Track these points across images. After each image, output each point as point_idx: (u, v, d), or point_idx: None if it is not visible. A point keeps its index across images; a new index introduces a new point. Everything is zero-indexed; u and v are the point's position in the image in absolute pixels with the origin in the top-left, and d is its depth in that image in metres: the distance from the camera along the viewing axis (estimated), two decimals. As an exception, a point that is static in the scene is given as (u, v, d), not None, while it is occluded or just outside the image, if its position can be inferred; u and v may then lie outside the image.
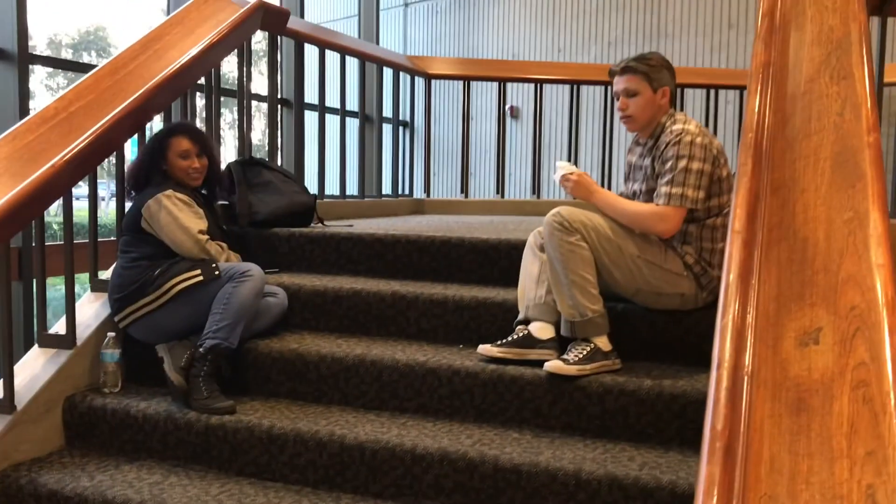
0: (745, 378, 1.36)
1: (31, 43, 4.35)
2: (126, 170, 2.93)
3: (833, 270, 1.46)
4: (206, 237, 2.78)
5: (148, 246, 2.75)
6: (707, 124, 5.18)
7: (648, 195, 2.53)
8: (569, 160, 5.22)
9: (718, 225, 2.46)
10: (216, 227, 2.95)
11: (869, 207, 1.54)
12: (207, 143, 2.96)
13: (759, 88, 2.08)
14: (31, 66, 4.37)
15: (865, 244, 1.47)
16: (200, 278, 2.68)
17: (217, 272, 2.69)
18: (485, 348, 2.47)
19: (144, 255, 2.74)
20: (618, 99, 2.60)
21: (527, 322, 2.51)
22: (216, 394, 2.53)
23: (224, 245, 2.90)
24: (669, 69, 2.57)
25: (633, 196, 2.62)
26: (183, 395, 2.56)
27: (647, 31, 7.31)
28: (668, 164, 2.42)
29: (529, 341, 2.44)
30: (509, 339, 2.47)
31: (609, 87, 5.14)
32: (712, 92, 5.24)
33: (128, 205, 2.93)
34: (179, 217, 2.73)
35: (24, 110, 4.19)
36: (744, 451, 1.24)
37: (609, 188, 5.18)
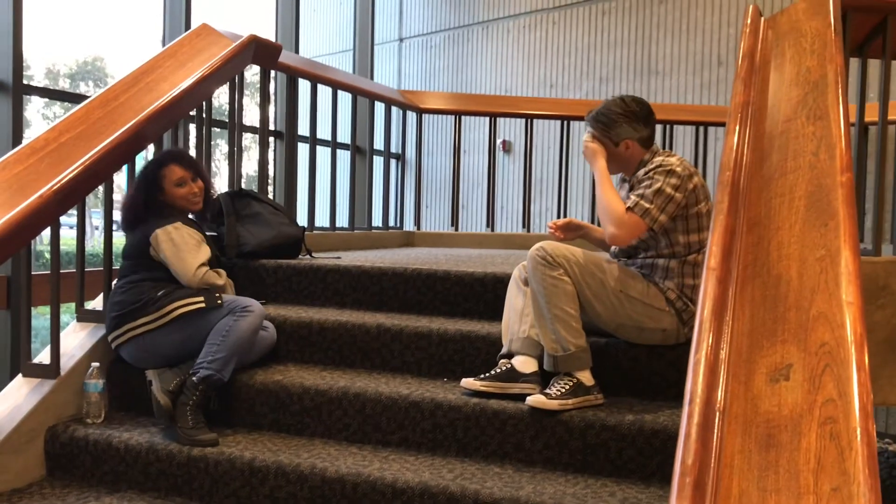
0: (717, 413, 1.37)
1: (29, 72, 4.41)
2: (121, 205, 2.95)
3: (805, 308, 1.48)
4: (206, 268, 2.82)
5: (153, 269, 2.78)
6: (696, 161, 5.24)
7: (634, 246, 2.61)
8: (559, 195, 5.27)
9: (700, 261, 2.49)
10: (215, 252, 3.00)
11: (841, 246, 1.56)
12: (198, 167, 3.02)
13: (737, 127, 2.12)
14: (26, 97, 4.42)
15: (836, 282, 1.49)
16: (202, 305, 2.70)
17: (219, 301, 2.71)
18: (468, 382, 2.48)
19: (149, 277, 2.76)
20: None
21: (510, 356, 2.52)
22: (201, 425, 2.53)
23: (222, 272, 2.93)
24: (633, 118, 2.58)
25: (614, 254, 2.69)
26: (168, 417, 2.57)
27: (638, 67, 7.40)
28: (644, 183, 2.49)
29: (512, 375, 2.45)
30: (492, 372, 2.48)
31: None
32: (701, 129, 5.30)
33: (117, 234, 2.95)
34: (182, 249, 2.77)
35: (17, 140, 4.22)
36: (714, 487, 1.25)
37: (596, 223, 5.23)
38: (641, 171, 2.55)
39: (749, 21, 2.62)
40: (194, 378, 2.57)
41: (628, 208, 2.44)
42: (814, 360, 1.36)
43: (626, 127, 2.58)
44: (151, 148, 3.20)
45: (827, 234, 1.61)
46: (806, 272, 1.56)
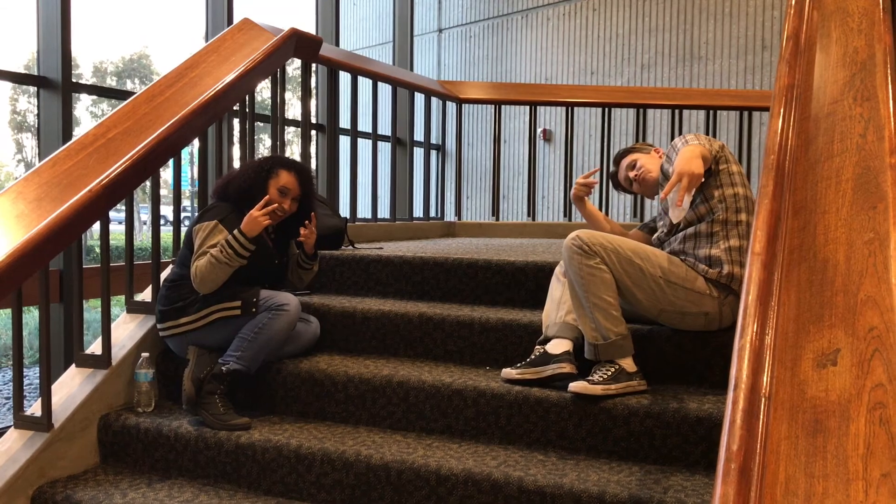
0: (763, 399, 1.36)
1: (78, 71, 4.52)
2: (222, 178, 2.95)
3: (852, 292, 1.46)
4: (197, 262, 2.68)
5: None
6: (740, 146, 5.16)
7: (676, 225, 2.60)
8: (601, 183, 5.23)
9: (743, 220, 2.47)
10: (268, 263, 2.88)
11: (889, 229, 1.53)
12: (309, 194, 2.91)
13: (782, 110, 2.08)
14: (75, 94, 4.52)
15: (885, 265, 1.46)
16: (238, 312, 2.71)
17: (255, 310, 2.70)
18: (506, 372, 2.50)
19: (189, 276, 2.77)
20: (629, 183, 2.92)
21: (546, 341, 2.53)
22: (231, 411, 2.61)
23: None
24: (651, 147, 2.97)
25: (660, 238, 2.69)
26: (191, 404, 2.63)
27: (681, 53, 7.31)
28: (678, 146, 2.54)
29: (545, 359, 2.46)
30: (527, 360, 2.49)
31: (639, 111, 5.16)
32: (745, 114, 5.22)
33: (164, 228, 2.99)
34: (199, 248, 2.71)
35: (67, 136, 4.33)
36: (759, 473, 1.24)
37: (635, 208, 5.18)
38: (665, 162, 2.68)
39: (793, 2, 2.56)
40: (223, 368, 2.63)
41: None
42: (862, 345, 1.34)
43: (650, 148, 2.97)
44: (196, 143, 3.25)
45: (875, 216, 1.58)
46: (853, 256, 1.53)
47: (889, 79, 1.98)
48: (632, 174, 2.85)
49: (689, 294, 2.43)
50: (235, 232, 2.67)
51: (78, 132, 4.20)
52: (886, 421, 1.20)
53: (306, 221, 2.87)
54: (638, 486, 2.08)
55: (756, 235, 1.67)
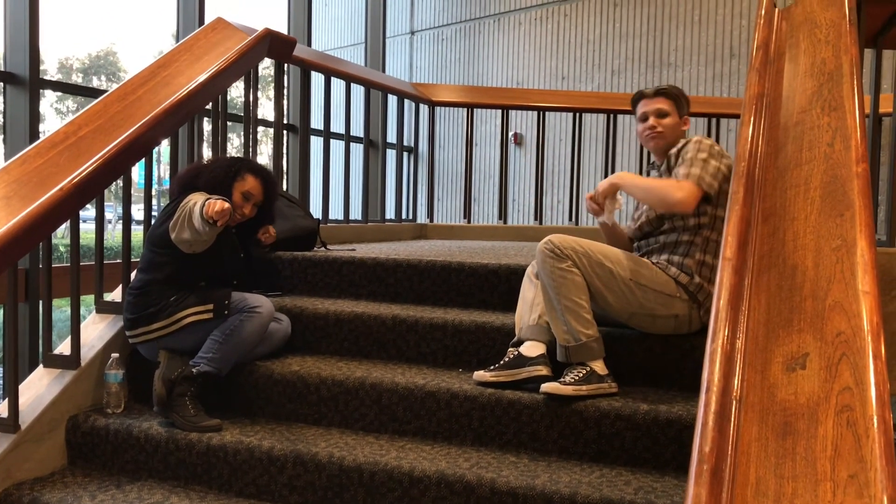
0: (734, 402, 1.39)
1: (42, 67, 4.45)
2: (189, 169, 2.92)
3: (821, 297, 1.49)
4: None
5: (164, 269, 2.75)
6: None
7: (659, 219, 2.63)
8: (571, 188, 5.27)
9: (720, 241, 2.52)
10: (233, 252, 2.93)
11: (857, 236, 1.57)
12: (270, 202, 3.02)
13: (752, 119, 2.12)
14: (41, 91, 4.46)
15: (852, 272, 1.50)
16: (210, 316, 2.71)
17: (226, 311, 2.71)
18: (479, 375, 2.51)
19: (158, 280, 2.74)
20: (645, 120, 2.72)
21: (519, 344, 2.55)
22: (202, 413, 2.59)
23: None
24: (687, 102, 2.78)
25: (641, 229, 2.71)
26: (162, 405, 2.60)
27: (651, 59, 7.39)
28: (687, 157, 2.53)
29: (519, 361, 2.48)
30: (501, 362, 2.51)
31: (610, 116, 5.20)
32: (714, 120, 5.30)
33: (135, 227, 2.97)
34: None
35: (34, 133, 4.27)
36: (731, 474, 1.27)
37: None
38: (674, 150, 2.64)
39: (763, 12, 2.61)
40: (194, 370, 2.62)
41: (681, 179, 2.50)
42: (830, 349, 1.37)
43: (686, 107, 2.75)
44: (166, 143, 3.22)
45: (843, 224, 1.62)
46: (822, 262, 1.57)
47: (855, 89, 2.03)
48: (653, 120, 2.69)
49: (658, 297, 2.47)
50: (207, 201, 2.57)
51: (43, 129, 4.15)
52: (853, 423, 1.23)
53: (269, 229, 3.17)
54: (608, 488, 2.10)
55: (727, 241, 1.71)
